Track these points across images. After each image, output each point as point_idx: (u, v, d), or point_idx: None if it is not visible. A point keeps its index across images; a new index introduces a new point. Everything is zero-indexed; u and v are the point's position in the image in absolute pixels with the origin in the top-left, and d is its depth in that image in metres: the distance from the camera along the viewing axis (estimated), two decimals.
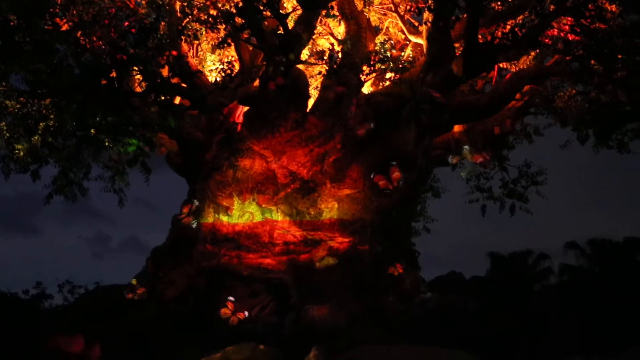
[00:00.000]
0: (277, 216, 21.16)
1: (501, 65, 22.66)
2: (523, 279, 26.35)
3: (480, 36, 20.77)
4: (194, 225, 21.65)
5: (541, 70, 22.20)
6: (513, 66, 23.25)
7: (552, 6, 19.29)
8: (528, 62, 22.88)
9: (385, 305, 19.75)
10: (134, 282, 21.70)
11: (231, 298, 19.35)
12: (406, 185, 21.87)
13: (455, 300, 19.87)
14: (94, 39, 19.24)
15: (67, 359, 16.38)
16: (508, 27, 20.59)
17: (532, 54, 22.16)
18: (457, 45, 21.49)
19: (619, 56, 19.53)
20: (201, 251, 21.11)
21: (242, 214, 21.42)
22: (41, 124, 19.30)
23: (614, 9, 19.47)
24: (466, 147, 22.48)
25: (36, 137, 19.37)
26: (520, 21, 20.72)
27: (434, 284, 22.70)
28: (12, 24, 18.59)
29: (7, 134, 19.47)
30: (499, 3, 20.02)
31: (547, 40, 20.22)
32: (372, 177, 21.10)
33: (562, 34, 20.12)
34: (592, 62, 20.06)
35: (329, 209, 21.08)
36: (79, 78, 19.26)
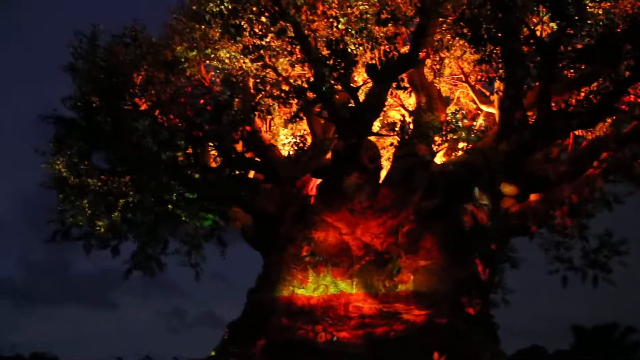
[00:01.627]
0: (352, 289, 21.01)
1: (577, 132, 22.24)
2: (610, 354, 25.20)
3: (553, 104, 20.52)
4: None
5: (619, 137, 21.69)
6: (589, 133, 22.80)
7: (627, 72, 18.97)
8: (605, 129, 22.40)
9: None
10: (212, 353, 21.74)
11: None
12: (483, 255, 21.48)
13: None
14: (171, 116, 19.90)
15: None
16: (582, 94, 20.31)
17: (609, 120, 21.71)
18: (530, 113, 21.27)
19: None
20: (277, 325, 21.01)
21: (317, 286, 21.35)
22: (121, 200, 19.91)
23: None
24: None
25: (116, 214, 19.98)
26: (595, 88, 20.40)
27: (515, 358, 21.94)
28: (93, 105, 19.44)
29: (89, 211, 20.14)
30: (571, 70, 19.78)
31: (623, 106, 19.82)
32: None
33: (639, 100, 19.70)
34: None
35: (405, 281, 20.81)
36: (157, 155, 19.84)
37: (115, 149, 19.90)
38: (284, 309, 21.29)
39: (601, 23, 18.80)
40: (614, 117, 21.35)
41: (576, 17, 17.94)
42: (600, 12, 19.15)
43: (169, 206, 20.00)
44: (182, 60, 20.75)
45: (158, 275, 22.25)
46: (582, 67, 19.79)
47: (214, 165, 21.59)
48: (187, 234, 22.21)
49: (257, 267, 23.73)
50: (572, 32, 18.45)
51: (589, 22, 18.67)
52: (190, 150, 20.48)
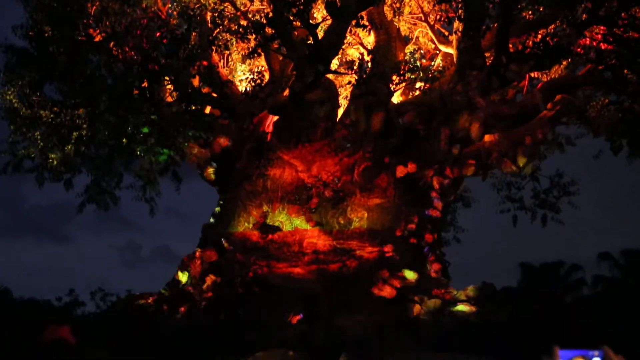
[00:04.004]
0: (307, 225, 21.19)
1: (532, 74, 22.45)
2: (555, 290, 25.93)
3: (511, 45, 20.64)
4: None
5: (573, 80, 21.98)
6: (544, 75, 23.05)
7: (584, 15, 19.11)
8: (560, 72, 22.66)
9: (415, 316, 19.61)
10: (164, 291, 21.81)
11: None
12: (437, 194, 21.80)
13: (486, 311, 19.67)
14: (127, 49, 19.47)
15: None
16: (539, 36, 20.43)
17: (564, 63, 21.95)
18: (487, 54, 21.38)
19: None
20: (231, 260, 21.14)
21: (272, 223, 21.48)
22: (74, 133, 19.52)
23: None
24: None
25: (69, 147, 19.58)
26: (552, 30, 20.54)
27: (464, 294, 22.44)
28: (46, 35, 18.88)
29: (41, 144, 19.76)
30: (529, 12, 19.85)
31: (579, 49, 20.02)
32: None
33: (594, 43, 19.89)
34: (625, 71, 19.83)
35: (359, 219, 21.06)
36: (112, 88, 19.47)
37: (69, 80, 19.42)
38: (239, 244, 21.42)
39: None
40: (569, 60, 21.59)
41: None
42: None
43: (124, 140, 19.68)
44: None
45: (112, 210, 22.07)
46: (540, 9, 19.88)
47: (169, 99, 21.30)
48: (142, 169, 22.01)
49: (211, 203, 23.78)
50: None
51: None
52: (145, 84, 20.13)
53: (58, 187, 20.77)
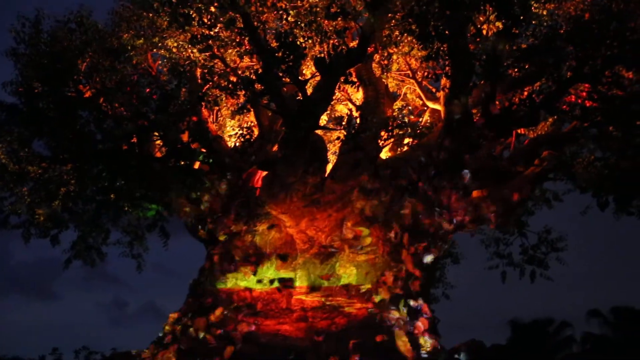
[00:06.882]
0: (295, 282, 21.05)
1: (519, 130, 22.66)
2: (545, 348, 25.79)
3: (497, 102, 20.88)
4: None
5: (559, 136, 22.19)
6: (531, 132, 23.27)
7: (569, 73, 19.42)
8: (546, 128, 22.89)
9: None
10: (152, 345, 21.52)
11: None
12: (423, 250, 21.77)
13: None
14: (116, 105, 19.60)
15: None
16: (525, 93, 20.70)
17: (550, 120, 22.20)
18: (474, 110, 21.59)
19: (637, 122, 19.54)
20: (218, 317, 20.91)
21: (260, 279, 21.32)
22: (62, 189, 19.51)
23: (630, 76, 19.54)
24: None
25: (57, 202, 19.56)
26: (538, 88, 20.83)
27: (454, 351, 22.27)
28: (36, 91, 18.98)
29: (28, 199, 19.74)
30: (515, 70, 20.13)
31: (564, 106, 20.30)
32: None
33: (579, 100, 20.19)
34: (611, 128, 20.08)
35: (347, 275, 20.94)
36: (101, 144, 19.52)
37: (57, 136, 19.49)
38: (226, 301, 21.20)
39: (545, 24, 19.24)
40: (555, 117, 21.85)
41: (521, 17, 18.30)
42: (545, 13, 19.58)
43: (111, 195, 19.67)
44: (129, 48, 20.40)
45: (99, 266, 21.97)
46: (526, 66, 20.17)
47: (159, 155, 21.34)
48: (130, 224, 21.95)
49: (199, 258, 23.59)
50: (517, 31, 18.81)
51: (533, 22, 19.09)
52: (134, 140, 20.19)
53: (44, 243, 20.71)
